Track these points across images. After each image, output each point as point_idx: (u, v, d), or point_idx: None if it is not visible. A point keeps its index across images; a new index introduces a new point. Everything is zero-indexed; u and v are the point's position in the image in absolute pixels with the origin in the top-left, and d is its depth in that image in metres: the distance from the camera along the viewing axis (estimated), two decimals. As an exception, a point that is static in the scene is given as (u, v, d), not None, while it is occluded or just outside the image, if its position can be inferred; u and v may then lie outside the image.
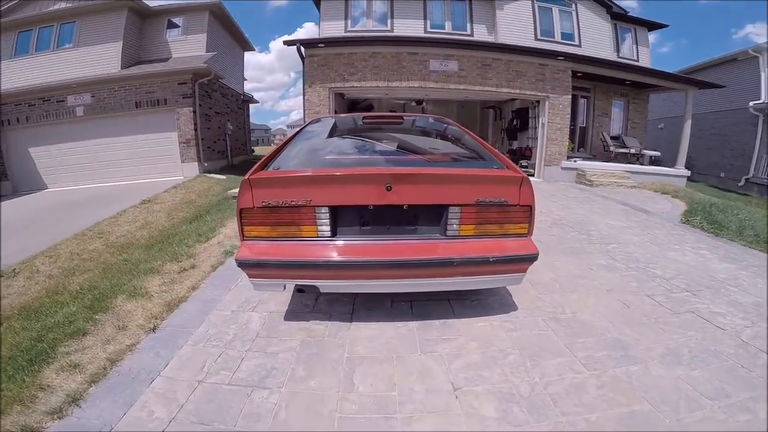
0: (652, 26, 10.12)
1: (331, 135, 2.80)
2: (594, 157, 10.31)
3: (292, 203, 1.82)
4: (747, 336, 2.29)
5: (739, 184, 11.43)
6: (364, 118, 3.14)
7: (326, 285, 1.93)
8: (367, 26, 8.17)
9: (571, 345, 2.07)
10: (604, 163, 8.91)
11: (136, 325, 2.28)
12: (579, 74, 8.27)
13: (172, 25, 9.81)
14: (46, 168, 9.04)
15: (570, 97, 7.91)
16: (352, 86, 7.11)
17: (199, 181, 8.28)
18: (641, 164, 9.66)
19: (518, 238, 1.97)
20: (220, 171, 9.86)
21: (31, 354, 2.01)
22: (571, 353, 1.99)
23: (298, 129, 2.82)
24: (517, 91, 7.42)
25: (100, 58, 8.81)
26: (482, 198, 1.85)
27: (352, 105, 11.53)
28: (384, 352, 1.92)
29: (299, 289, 2.00)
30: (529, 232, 1.98)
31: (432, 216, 1.94)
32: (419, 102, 10.89)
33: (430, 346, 1.98)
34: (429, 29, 8.08)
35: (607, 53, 9.26)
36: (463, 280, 1.93)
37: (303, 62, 7.09)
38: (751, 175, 11.09)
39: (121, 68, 8.74)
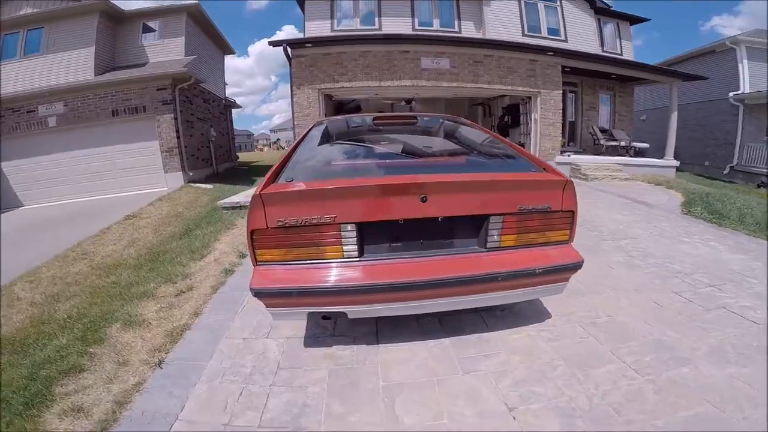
0: (634, 20, 10.36)
1: (342, 139, 2.63)
2: (584, 151, 10.46)
3: (314, 221, 1.61)
4: None
5: (724, 172, 11.81)
6: (375, 119, 2.93)
7: (355, 310, 1.72)
8: (354, 25, 8.04)
9: (616, 350, 1.98)
10: (598, 157, 9.02)
11: (138, 360, 2.07)
12: (567, 69, 8.35)
13: (147, 29, 9.42)
14: (20, 184, 8.49)
15: (561, 92, 7.99)
16: (342, 87, 6.96)
17: (184, 192, 7.95)
18: (630, 156, 9.85)
19: (560, 245, 1.86)
20: (206, 180, 9.52)
21: (26, 395, 1.79)
22: (619, 359, 1.91)
23: (303, 133, 2.60)
24: (509, 87, 7.43)
25: (71, 64, 8.37)
26: (525, 205, 1.72)
27: (339, 106, 11.37)
28: (422, 376, 1.77)
29: (324, 317, 1.81)
30: (571, 239, 1.88)
31: (470, 227, 1.79)
32: (408, 101, 10.82)
33: (471, 365, 1.85)
34: (417, 27, 8.01)
35: (593, 47, 9.42)
36: (506, 294, 1.79)
37: (290, 63, 6.90)
38: (735, 163, 11.47)
39: (95, 75, 8.32)
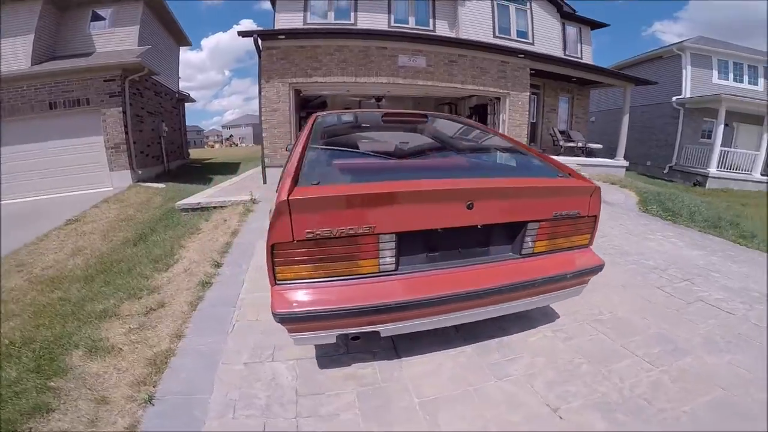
0: (595, 25, 11.19)
1: (353, 136, 2.52)
2: (544, 152, 11.07)
3: (350, 232, 1.46)
4: (754, 318, 2.55)
5: (664, 172, 13.17)
6: (384, 115, 2.81)
7: (389, 328, 1.60)
8: (329, 19, 7.85)
9: (627, 345, 2.13)
10: (559, 158, 9.59)
11: (121, 396, 1.78)
12: (532, 72, 8.82)
13: (97, 17, 8.55)
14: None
15: (528, 94, 8.41)
16: (316, 82, 6.76)
17: (134, 193, 7.28)
18: (584, 156, 10.64)
19: (582, 249, 1.94)
20: (157, 179, 8.80)
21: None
22: (632, 353, 2.05)
23: (307, 128, 2.30)
24: (482, 87, 7.69)
25: (5, 53, 7.33)
26: (559, 211, 1.76)
27: (304, 102, 11.05)
28: (456, 388, 1.75)
29: (354, 337, 1.65)
30: (591, 242, 1.97)
31: (505, 233, 1.79)
32: (378, 99, 10.78)
33: (501, 370, 1.87)
34: (393, 24, 8.02)
35: (557, 51, 10.04)
36: (538, 299, 1.83)
37: (259, 55, 6.56)
38: (674, 163, 12.83)
39: (32, 64, 7.35)
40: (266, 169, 7.32)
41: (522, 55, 7.83)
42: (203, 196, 6.24)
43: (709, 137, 12.57)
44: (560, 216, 1.77)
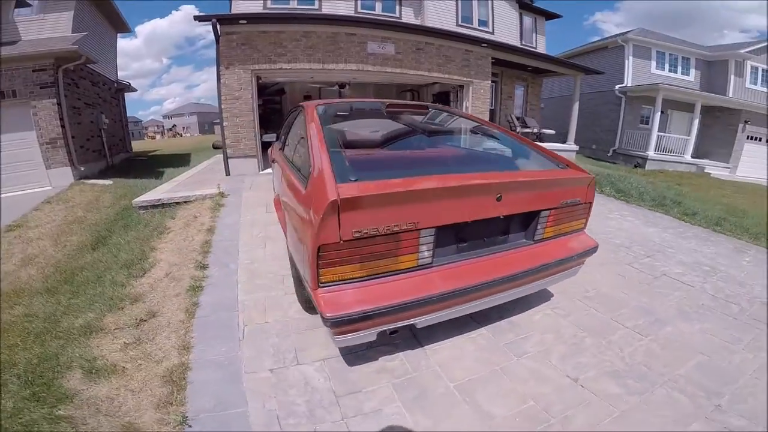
0: (549, 16, 11.79)
1: (365, 128, 2.50)
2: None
3: (395, 229, 1.49)
4: (711, 289, 2.99)
5: (608, 155, 14.43)
6: (388, 106, 2.80)
7: (424, 320, 1.67)
8: (292, 4, 7.48)
9: (616, 318, 2.43)
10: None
11: (151, 421, 1.66)
12: (492, 61, 9.16)
13: (22, 4, 7.44)
14: None
15: (490, 82, 8.73)
16: (281, 68, 6.49)
17: (78, 191, 6.61)
18: (540, 141, 11.36)
19: (578, 233, 2.16)
20: (101, 175, 8.05)
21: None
22: (623, 325, 2.35)
23: (313, 120, 2.12)
24: (447, 75, 7.86)
25: None
26: (566, 200, 1.96)
27: (261, 90, 10.59)
28: (484, 369, 1.90)
29: (392, 332, 1.67)
30: (585, 226, 2.18)
31: (521, 222, 1.95)
32: (342, 86, 10.59)
33: (518, 349, 2.07)
34: (360, 10, 7.86)
35: (515, 40, 10.49)
36: (546, 280, 2.02)
37: (217, 41, 6.15)
38: (617, 146, 14.10)
39: None
40: (228, 159, 6.98)
41: (485, 45, 8.09)
42: (161, 191, 5.82)
43: (647, 123, 13.94)
44: (565, 204, 1.98)
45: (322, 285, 1.50)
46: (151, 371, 1.97)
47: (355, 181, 1.49)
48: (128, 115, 12.76)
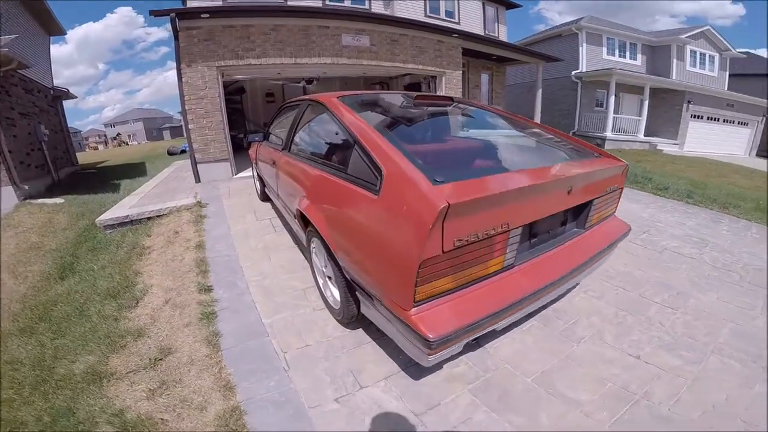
0: (509, 5, 12.15)
1: (402, 122, 2.36)
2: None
3: (492, 232, 1.39)
4: (709, 260, 3.26)
5: (570, 139, 15.21)
6: (416, 98, 2.67)
7: (503, 323, 1.62)
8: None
9: (644, 294, 2.59)
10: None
11: None
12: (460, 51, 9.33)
13: None
14: None
15: (461, 72, 8.88)
16: (249, 64, 6.15)
17: (26, 214, 5.90)
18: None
19: (612, 217, 2.24)
20: (48, 193, 7.24)
21: None
22: (652, 300, 2.51)
23: (351, 115, 1.94)
24: (421, 66, 7.89)
25: None
26: (609, 187, 2.04)
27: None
28: (552, 358, 1.94)
29: (474, 340, 1.63)
30: (615, 210, 2.27)
31: (576, 211, 1.99)
32: (309, 81, 10.31)
33: (574, 334, 2.13)
34: (328, 3, 7.62)
35: (479, 30, 10.72)
36: (595, 266, 2.07)
37: (176, 37, 5.71)
38: (576, 129, 14.92)
39: None
40: (198, 165, 6.57)
41: (456, 35, 8.21)
42: (126, 206, 5.34)
43: (602, 106, 14.90)
44: (608, 191, 2.06)
45: (417, 303, 1.36)
46: (198, 421, 1.74)
47: (444, 182, 1.33)
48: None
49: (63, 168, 9.31)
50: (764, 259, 3.30)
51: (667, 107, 14.88)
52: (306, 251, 2.60)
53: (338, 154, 2.03)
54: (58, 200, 6.61)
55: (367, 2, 8.79)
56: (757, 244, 3.72)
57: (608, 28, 14.49)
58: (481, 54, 10.44)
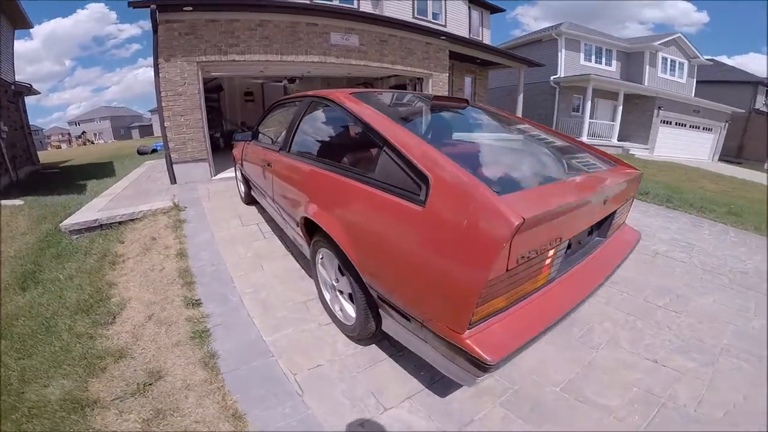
0: (494, 10, 12.37)
1: (438, 123, 2.29)
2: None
3: (548, 246, 1.35)
4: (699, 263, 3.39)
5: (548, 142, 15.66)
6: (434, 99, 2.54)
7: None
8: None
9: (647, 299, 2.67)
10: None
11: None
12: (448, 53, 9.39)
13: None
14: None
15: (448, 75, 8.94)
16: (233, 60, 5.92)
17: (-21, 218, 5.42)
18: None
19: (624, 225, 2.25)
20: (5, 194, 6.72)
21: None
22: (655, 305, 2.60)
23: (380, 116, 1.78)
24: (409, 68, 7.89)
25: None
26: (628, 196, 2.06)
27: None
28: (575, 367, 1.96)
29: None
30: (626, 218, 2.30)
31: (601, 220, 1.96)
32: (291, 80, 10.09)
33: (591, 341, 2.17)
34: (315, 0, 7.43)
35: (464, 33, 10.85)
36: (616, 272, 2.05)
37: (155, 30, 5.41)
38: (555, 134, 15.34)
39: None
40: (174, 165, 6.27)
41: (444, 38, 8.27)
42: (94, 209, 5.00)
43: (578, 111, 15.42)
44: (627, 200, 2.05)
45: (473, 324, 1.27)
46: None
47: (504, 192, 1.23)
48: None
49: (23, 167, 8.69)
50: (746, 262, 3.47)
51: (639, 113, 15.59)
52: (310, 262, 2.44)
53: (360, 157, 1.92)
54: (17, 202, 6.14)
55: (355, 1, 8.72)
56: (736, 247, 3.91)
57: (586, 35, 15.05)
58: (465, 57, 10.57)
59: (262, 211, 4.67)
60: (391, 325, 1.70)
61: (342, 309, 2.16)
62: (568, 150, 2.28)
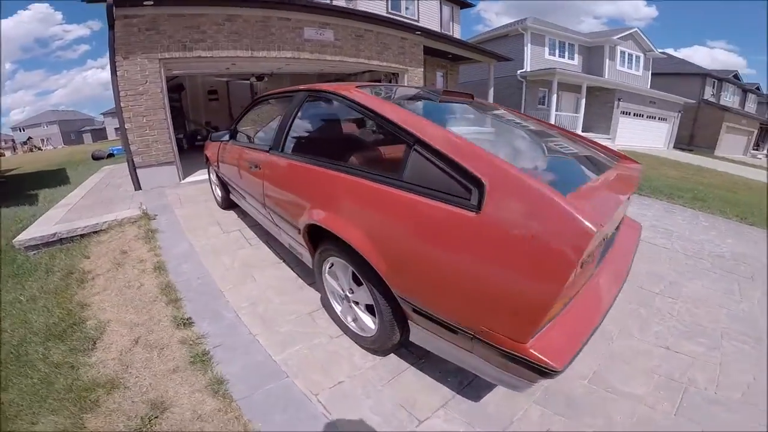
0: (463, 5, 12.49)
1: (454, 117, 2.20)
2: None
3: (597, 246, 1.36)
4: (681, 249, 3.58)
5: (518, 135, 16.12)
6: (443, 93, 2.48)
7: None
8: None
9: (642, 286, 2.80)
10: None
11: None
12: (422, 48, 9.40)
13: None
14: None
15: (422, 69, 8.94)
16: (199, 56, 5.58)
17: None
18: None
19: (625, 217, 2.31)
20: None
21: None
22: (653, 292, 2.73)
23: (406, 114, 1.63)
24: (385, 63, 7.82)
25: None
26: (635, 188, 2.05)
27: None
28: (597, 358, 2.01)
29: None
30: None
31: None
32: (260, 77, 9.73)
33: (604, 330, 2.22)
34: None
35: (436, 28, 10.89)
36: None
37: (111, 27, 4.99)
38: (524, 127, 15.81)
39: None
40: (137, 170, 5.89)
41: (419, 33, 8.26)
42: (50, 222, 4.59)
43: (543, 104, 15.95)
44: (633, 191, 2.07)
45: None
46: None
47: (566, 194, 1.16)
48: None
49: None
50: (720, 246, 3.71)
51: (600, 104, 16.39)
52: (315, 272, 2.26)
53: (382, 157, 1.82)
54: (-42, 217, 5.51)
55: (329, -5, 8.53)
56: (708, 231, 4.18)
57: (551, 29, 15.58)
58: (436, 52, 10.62)
59: (242, 215, 4.45)
60: (423, 335, 1.61)
61: (357, 320, 2.06)
62: (583, 146, 2.26)
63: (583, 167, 1.88)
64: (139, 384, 2.04)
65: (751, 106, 27.43)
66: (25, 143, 43.53)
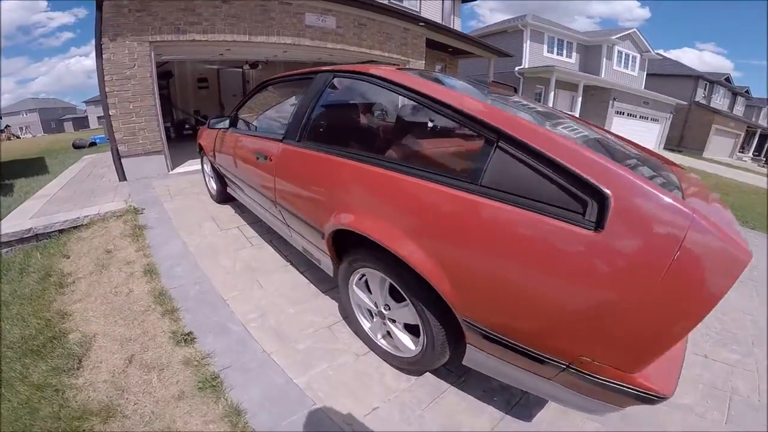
0: None
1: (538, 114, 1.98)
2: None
3: None
4: None
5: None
6: (491, 84, 2.19)
7: None
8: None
9: None
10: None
11: None
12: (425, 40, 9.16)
13: None
14: None
15: (423, 62, 8.71)
16: (193, 40, 5.21)
17: None
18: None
19: None
20: None
21: None
22: None
23: (487, 106, 1.39)
24: (387, 54, 7.57)
25: None
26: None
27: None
28: None
29: None
30: None
31: None
32: (254, 65, 9.33)
33: None
34: None
35: (438, 20, 10.63)
36: None
37: (99, 7, 4.60)
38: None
39: None
40: (122, 159, 5.53)
41: (422, 24, 8.02)
42: (26, 214, 4.21)
43: (539, 101, 15.87)
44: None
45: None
46: None
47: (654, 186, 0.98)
48: None
49: None
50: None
51: (595, 103, 16.44)
52: (340, 282, 1.99)
53: (449, 155, 1.56)
54: None
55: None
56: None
57: (550, 27, 15.50)
58: (437, 45, 10.39)
59: (240, 210, 4.15)
60: (482, 360, 1.39)
61: (387, 337, 1.84)
62: (640, 151, 2.01)
63: (674, 178, 1.56)
64: (140, 412, 1.76)
65: (739, 109, 28.09)
66: (2, 131, 42.15)
